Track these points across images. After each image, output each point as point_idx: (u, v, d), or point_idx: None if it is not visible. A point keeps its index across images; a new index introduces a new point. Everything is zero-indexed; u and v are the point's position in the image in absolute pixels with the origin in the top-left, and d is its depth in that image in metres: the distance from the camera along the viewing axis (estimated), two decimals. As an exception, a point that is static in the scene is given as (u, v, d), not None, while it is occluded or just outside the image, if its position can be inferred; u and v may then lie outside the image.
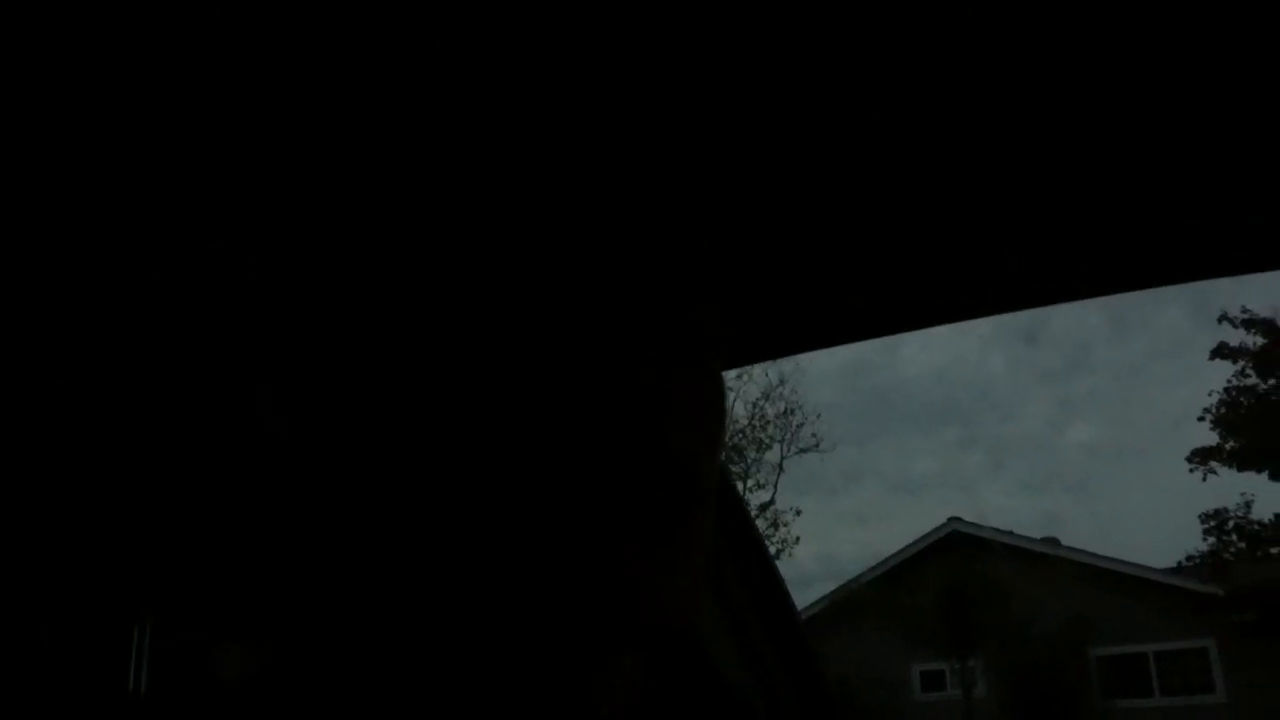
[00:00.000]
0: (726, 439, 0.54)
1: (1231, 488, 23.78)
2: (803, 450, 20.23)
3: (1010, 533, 18.54)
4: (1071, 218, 0.83)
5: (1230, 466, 17.61)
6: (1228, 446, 17.63)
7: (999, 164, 0.75)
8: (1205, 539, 17.78)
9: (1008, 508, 30.83)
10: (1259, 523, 17.42)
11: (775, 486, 20.18)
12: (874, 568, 18.95)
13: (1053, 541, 18.69)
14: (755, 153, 0.68)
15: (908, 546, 19.02)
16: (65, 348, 0.98)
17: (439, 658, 0.48)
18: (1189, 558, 17.98)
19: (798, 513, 20.39)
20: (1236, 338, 17.59)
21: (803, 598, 18.56)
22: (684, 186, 0.48)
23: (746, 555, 1.25)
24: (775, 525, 19.75)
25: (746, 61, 0.61)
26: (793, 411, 20.33)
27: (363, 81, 0.59)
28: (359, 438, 0.52)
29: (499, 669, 0.47)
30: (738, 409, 19.07)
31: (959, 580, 15.99)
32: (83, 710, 1.36)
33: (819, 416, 22.76)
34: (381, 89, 0.58)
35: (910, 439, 32.68)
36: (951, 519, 18.90)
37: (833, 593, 18.63)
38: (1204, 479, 17.96)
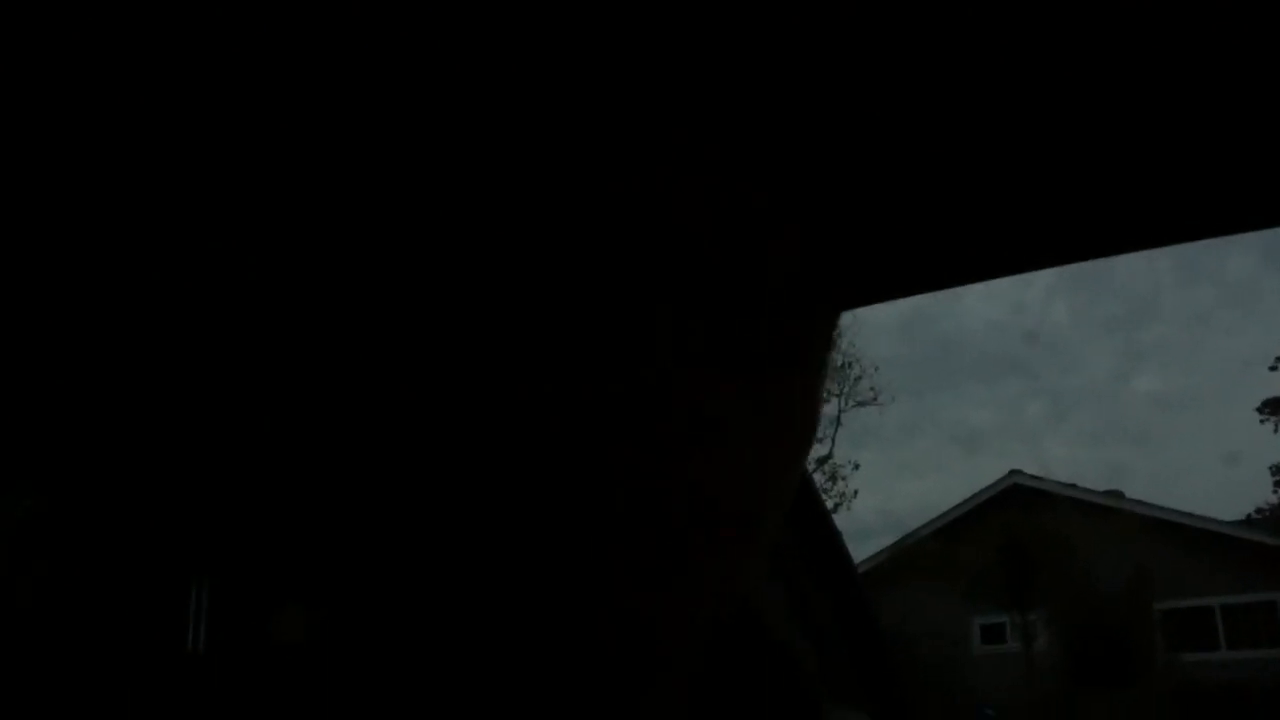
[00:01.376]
0: (805, 449, 0.53)
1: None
2: (860, 404, 20.14)
3: (1073, 485, 18.33)
4: (1129, 166, 0.81)
5: (1304, 417, 17.19)
6: (1301, 396, 17.20)
7: (1056, 115, 0.74)
8: (1275, 490, 17.41)
9: (1071, 459, 30.38)
10: (1333, 474, 17.02)
11: (833, 440, 20.12)
12: (933, 520, 18.87)
13: (1117, 494, 18.44)
14: (783, 107, 0.66)
15: (968, 499, 18.90)
16: (93, 328, 1.00)
17: (465, 659, 0.48)
18: (1258, 510, 17.63)
19: (856, 466, 20.33)
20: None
21: (862, 551, 18.58)
22: (684, 185, 0.47)
23: (806, 518, 1.24)
24: (834, 479, 19.73)
25: (747, 53, 0.59)
26: (850, 365, 20.19)
27: (362, 81, 0.59)
28: (357, 438, 0.52)
29: (522, 671, 0.47)
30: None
31: (1020, 533, 15.85)
32: (143, 668, 1.40)
33: (877, 370, 22.58)
34: (381, 89, 0.58)
35: (971, 390, 32.31)
36: (1012, 471, 18.73)
37: (892, 546, 18.58)
38: (1276, 429, 17.54)
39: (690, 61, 0.52)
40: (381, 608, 0.54)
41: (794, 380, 0.49)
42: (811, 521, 1.26)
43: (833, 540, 1.30)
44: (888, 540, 19.48)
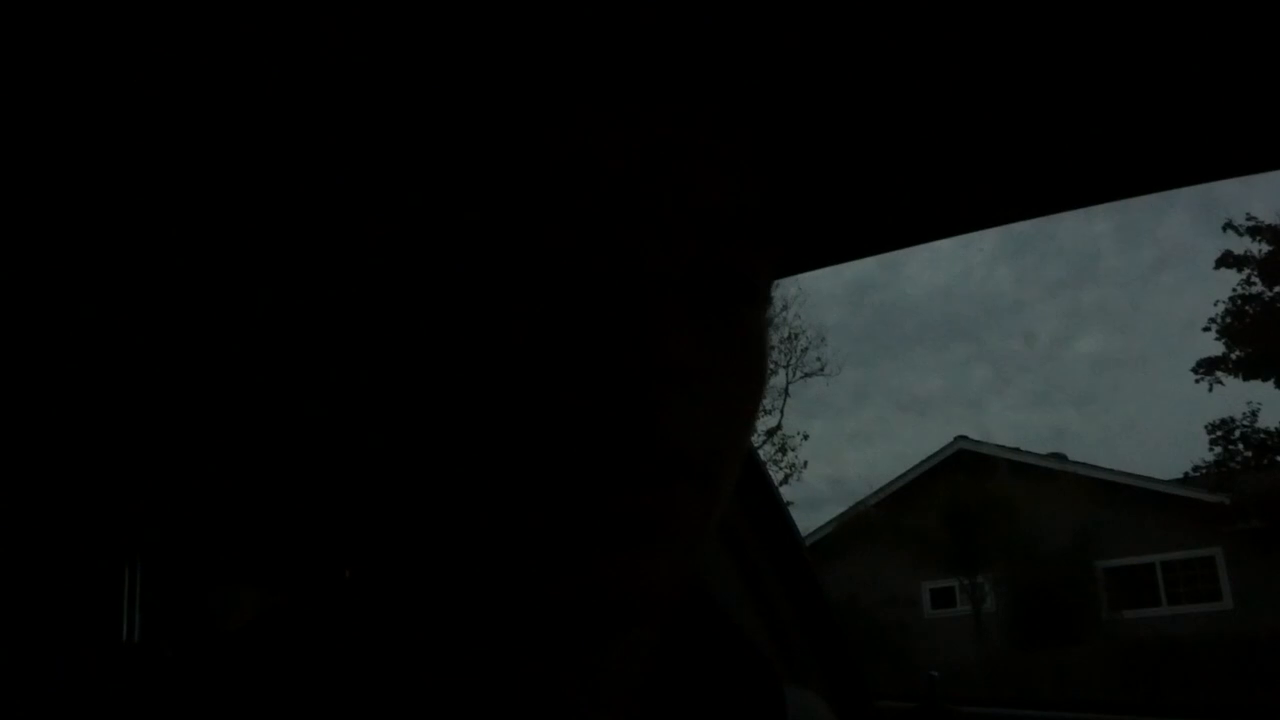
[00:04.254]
0: (760, 395, 0.51)
1: (1238, 397, 23.86)
2: (808, 374, 20.32)
3: (1017, 449, 18.68)
4: (1073, 120, 0.80)
5: (1236, 376, 17.62)
6: (1233, 356, 17.63)
7: (997, 71, 0.73)
8: (1212, 449, 17.88)
9: (1016, 422, 30.68)
10: (1265, 431, 17.50)
11: (782, 411, 20.26)
12: (882, 489, 19.15)
13: (1060, 457, 18.81)
14: (752, 72, 0.65)
15: (915, 467, 19.19)
16: (65, 320, 0.98)
17: (439, 625, 0.48)
18: (1195, 468, 18.11)
19: (805, 437, 20.50)
20: (1241, 246, 17.49)
21: (813, 519, 18.83)
22: (683, 141, 0.46)
23: (755, 494, 1.23)
24: (783, 450, 19.90)
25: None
26: (797, 336, 20.34)
27: (364, 81, 0.58)
28: (351, 424, 0.52)
29: (499, 637, 0.47)
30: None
31: (966, 498, 16.15)
32: (73, 658, 1.34)
33: (824, 341, 22.72)
34: (382, 88, 0.57)
35: (917, 357, 32.66)
36: (958, 438, 19.03)
37: (841, 515, 18.83)
38: (1210, 389, 18.00)
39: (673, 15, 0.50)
40: (332, 593, 0.52)
41: (749, 322, 0.48)
42: (760, 497, 1.24)
43: (781, 516, 1.29)
44: (839, 509, 19.76)
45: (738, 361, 0.47)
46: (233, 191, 0.74)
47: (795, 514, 1.41)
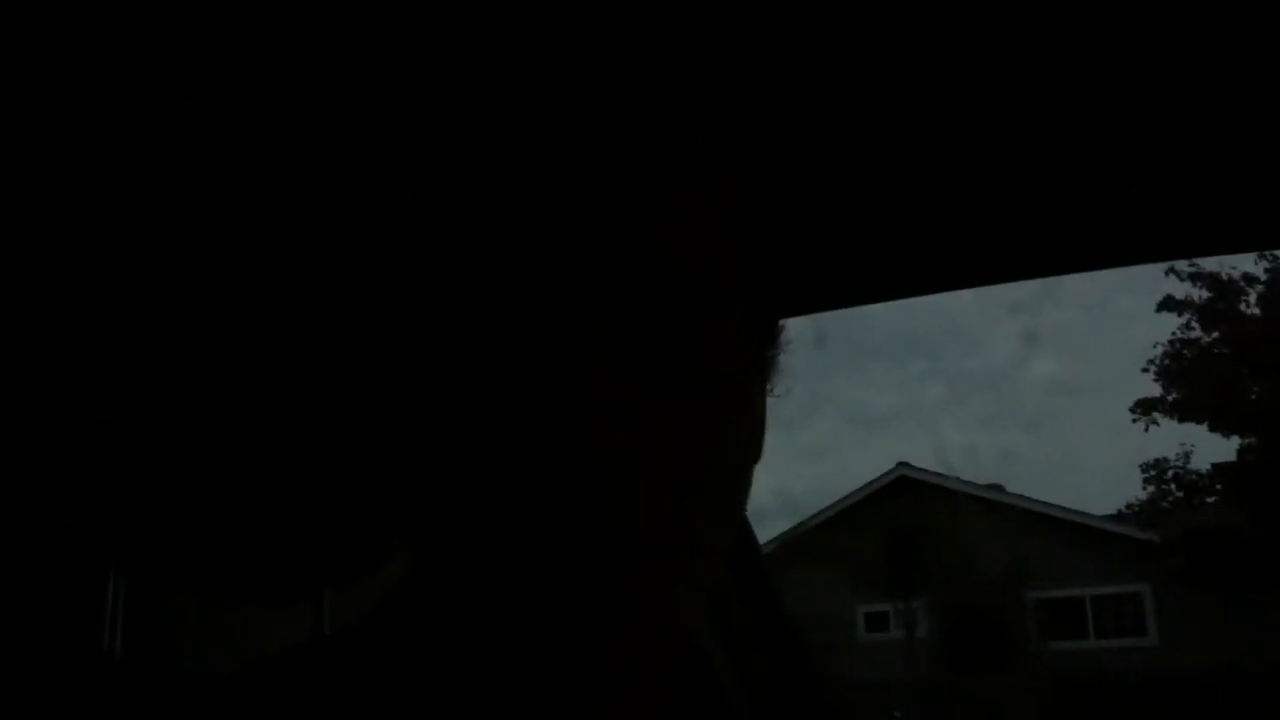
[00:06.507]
0: (747, 463, 0.49)
1: (1172, 439, 24.31)
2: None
3: (957, 478, 18.88)
4: (1076, 194, 0.87)
5: (1172, 418, 17.94)
6: (1169, 398, 17.94)
7: (1020, 147, 0.78)
8: (1145, 488, 18.20)
9: (966, 444, 30.83)
10: (1196, 472, 17.85)
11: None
12: (823, 510, 19.25)
13: (998, 487, 19.05)
14: (766, 133, 0.68)
15: (856, 490, 19.33)
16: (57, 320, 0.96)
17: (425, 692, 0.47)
18: (1128, 505, 18.41)
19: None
20: (1182, 290, 17.83)
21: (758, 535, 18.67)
22: (687, 172, 0.44)
23: (745, 569, 1.24)
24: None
25: (752, 42, 0.61)
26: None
27: (363, 80, 0.58)
28: (350, 429, 0.51)
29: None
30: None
31: (904, 524, 16.29)
32: (52, 672, 1.31)
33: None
34: (381, 87, 0.56)
35: (872, 371, 32.71)
36: (900, 464, 19.21)
37: (783, 534, 18.90)
38: (1146, 429, 18.31)
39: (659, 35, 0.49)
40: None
41: (719, 378, 0.44)
42: (747, 563, 1.25)
43: (765, 582, 1.29)
44: (783, 523, 19.76)
45: (705, 424, 0.43)
46: (232, 189, 0.73)
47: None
